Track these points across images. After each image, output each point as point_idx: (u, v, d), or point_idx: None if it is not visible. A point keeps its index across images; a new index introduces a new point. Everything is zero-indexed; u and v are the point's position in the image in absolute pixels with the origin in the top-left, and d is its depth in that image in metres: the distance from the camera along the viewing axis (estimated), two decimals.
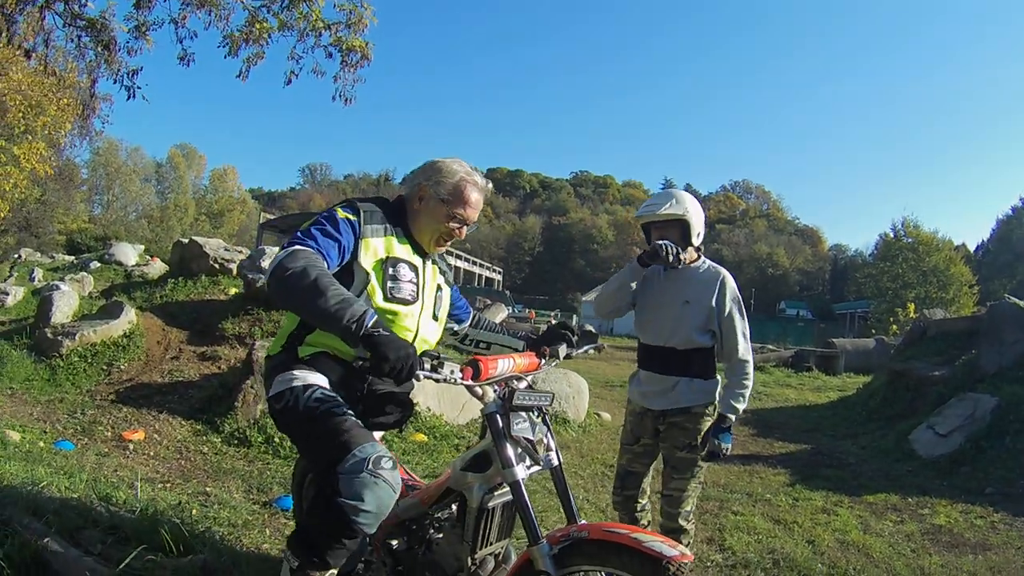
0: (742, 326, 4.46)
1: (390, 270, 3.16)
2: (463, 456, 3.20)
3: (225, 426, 7.22)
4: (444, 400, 9.13)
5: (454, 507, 3.20)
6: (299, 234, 2.95)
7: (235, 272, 12.38)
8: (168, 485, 5.72)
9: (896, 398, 14.46)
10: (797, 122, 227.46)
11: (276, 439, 7.02)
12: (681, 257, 4.36)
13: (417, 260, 3.32)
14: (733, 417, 4.32)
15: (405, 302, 3.19)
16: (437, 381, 2.84)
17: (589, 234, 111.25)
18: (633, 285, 4.62)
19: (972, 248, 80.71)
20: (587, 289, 78.25)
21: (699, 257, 4.57)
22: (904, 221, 58.75)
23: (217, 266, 12.79)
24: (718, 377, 4.50)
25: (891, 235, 59.16)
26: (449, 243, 3.42)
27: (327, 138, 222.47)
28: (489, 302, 26.42)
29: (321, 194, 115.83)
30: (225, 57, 8.47)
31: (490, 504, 3.09)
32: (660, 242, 4.31)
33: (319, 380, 3.07)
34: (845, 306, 73.19)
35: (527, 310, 60.22)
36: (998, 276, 62.05)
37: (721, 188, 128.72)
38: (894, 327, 43.40)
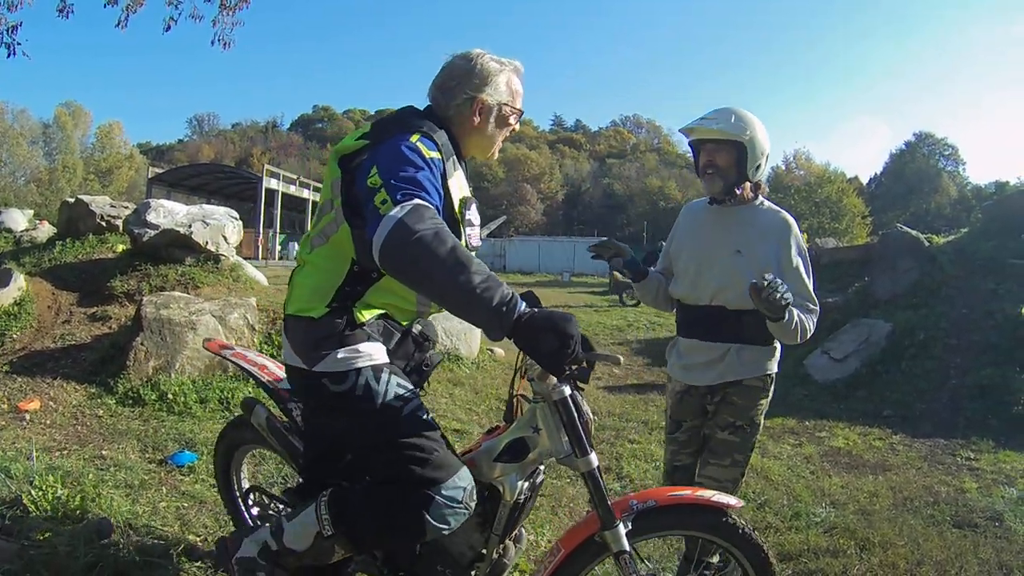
0: (809, 282, 3.66)
1: (467, 214, 2.72)
2: (489, 446, 2.83)
3: (119, 387, 7.07)
4: None
5: None
6: (403, 181, 2.37)
7: (121, 229, 12.08)
8: (65, 452, 5.62)
9: None
10: (697, 62, 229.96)
11: (169, 395, 6.95)
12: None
13: (467, 187, 2.85)
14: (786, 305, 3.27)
15: (476, 250, 2.71)
16: (603, 361, 2.76)
17: (479, 172, 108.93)
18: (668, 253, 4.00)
19: (865, 181, 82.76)
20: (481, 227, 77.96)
21: (756, 196, 3.75)
22: (796, 154, 60.00)
23: (104, 224, 12.41)
24: (776, 344, 3.71)
25: (783, 168, 60.24)
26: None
27: (212, 86, 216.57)
28: None
29: (210, 144, 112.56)
30: (105, 6, 8.17)
31: (523, 494, 2.86)
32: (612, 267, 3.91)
33: (384, 356, 2.69)
34: None
35: None
36: (891, 208, 63.95)
37: (612, 123, 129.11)
38: None
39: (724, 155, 3.58)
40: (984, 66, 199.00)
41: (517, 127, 3.02)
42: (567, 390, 2.61)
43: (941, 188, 77.78)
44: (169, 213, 10.38)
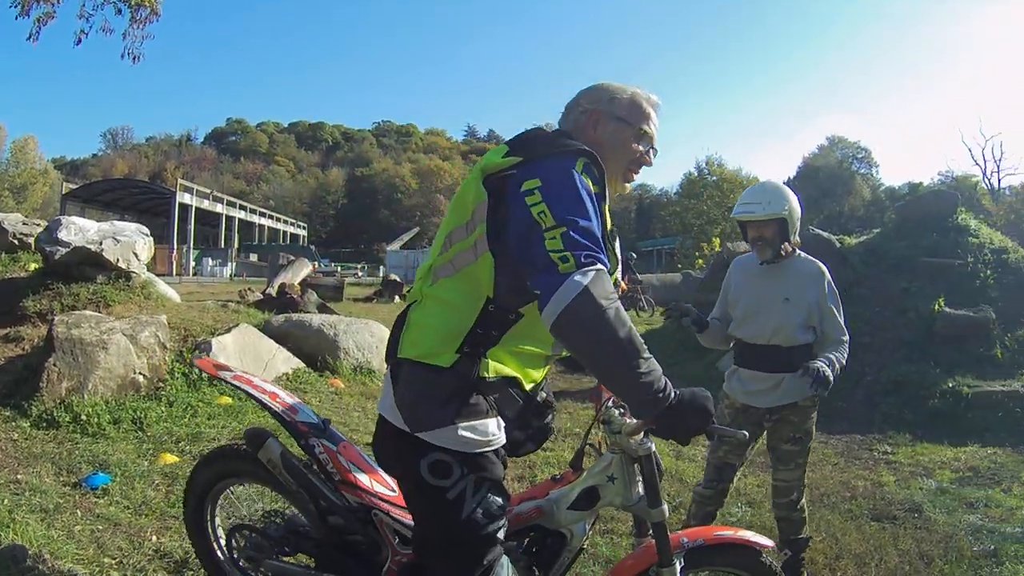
0: (840, 317, 4.51)
1: (613, 246, 2.48)
2: (561, 494, 2.83)
3: (32, 409, 6.89)
4: (247, 358, 9.03)
5: (526, 540, 2.90)
6: (582, 233, 2.18)
7: (33, 247, 11.85)
8: None
9: None
10: (611, 68, 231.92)
11: (83, 417, 6.83)
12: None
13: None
14: (823, 368, 4.17)
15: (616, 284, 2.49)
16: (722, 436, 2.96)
17: (393, 184, 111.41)
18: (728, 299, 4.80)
19: None
20: (392, 239, 78.16)
21: (794, 251, 4.59)
22: (708, 160, 60.88)
23: (16, 242, 12.16)
24: None
25: (695, 174, 61.13)
26: (637, 175, 2.75)
27: (126, 100, 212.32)
28: (292, 258, 25.65)
29: (124, 159, 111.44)
30: (16, 17, 8.10)
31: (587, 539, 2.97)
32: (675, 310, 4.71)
33: (502, 436, 2.47)
34: (651, 243, 74.68)
35: (333, 264, 59.68)
36: (805, 211, 65.04)
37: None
38: (700, 261, 44.84)
39: (770, 229, 4.44)
40: (897, 69, 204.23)
41: (649, 161, 2.73)
42: (652, 446, 2.68)
43: (855, 190, 79.45)
44: (80, 230, 10.20)
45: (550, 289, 2.10)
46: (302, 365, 10.01)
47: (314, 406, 8.23)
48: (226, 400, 7.75)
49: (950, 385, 9.76)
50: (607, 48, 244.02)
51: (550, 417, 2.87)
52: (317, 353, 10.39)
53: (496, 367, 2.42)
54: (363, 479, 3.06)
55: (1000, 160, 75.01)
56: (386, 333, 11.35)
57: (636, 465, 2.72)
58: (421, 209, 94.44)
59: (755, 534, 2.97)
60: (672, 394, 2.19)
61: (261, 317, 11.59)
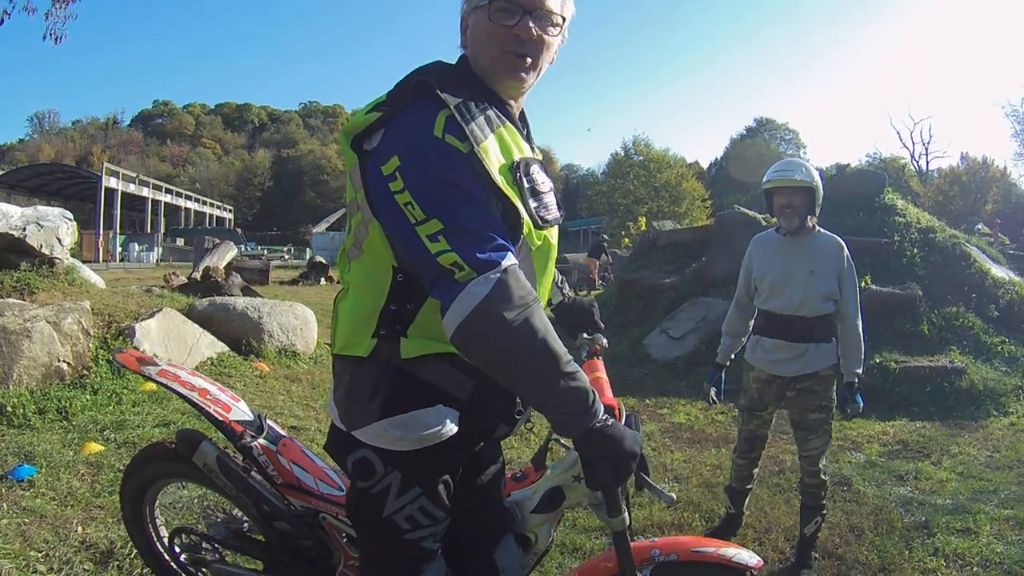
0: (857, 293, 4.73)
1: (525, 181, 2.03)
2: (523, 495, 2.61)
3: None
4: (171, 343, 8.97)
5: None
6: (467, 226, 1.84)
7: None
8: None
9: (628, 306, 15.06)
10: None
11: (8, 408, 6.68)
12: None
13: (525, 146, 2.19)
14: (857, 380, 4.65)
15: (557, 220, 2.18)
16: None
17: (319, 165, 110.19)
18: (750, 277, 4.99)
19: (706, 166, 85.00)
20: (317, 221, 77.58)
21: (814, 226, 4.79)
22: (635, 140, 61.08)
23: None
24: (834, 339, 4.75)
25: (621, 154, 61.32)
26: (527, 62, 2.08)
27: (53, 82, 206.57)
28: (217, 242, 25.28)
29: (50, 143, 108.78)
30: None
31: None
32: None
33: (453, 426, 2.12)
34: (579, 223, 74.82)
35: (259, 248, 58.98)
36: (731, 192, 65.14)
37: None
38: (626, 240, 45.08)
39: (799, 197, 4.63)
40: (827, 52, 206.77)
41: (529, 33, 2.05)
42: None
43: None
44: (3, 216, 9.95)
45: (447, 300, 1.82)
46: (227, 349, 9.98)
47: (239, 391, 8.33)
48: (151, 386, 7.63)
49: (877, 361, 9.92)
50: None
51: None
52: (241, 336, 10.34)
53: (420, 345, 2.07)
54: (307, 480, 2.86)
55: (928, 143, 76.58)
56: (311, 315, 11.56)
57: None
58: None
59: (741, 551, 2.60)
60: (600, 415, 1.88)
61: (185, 301, 11.42)
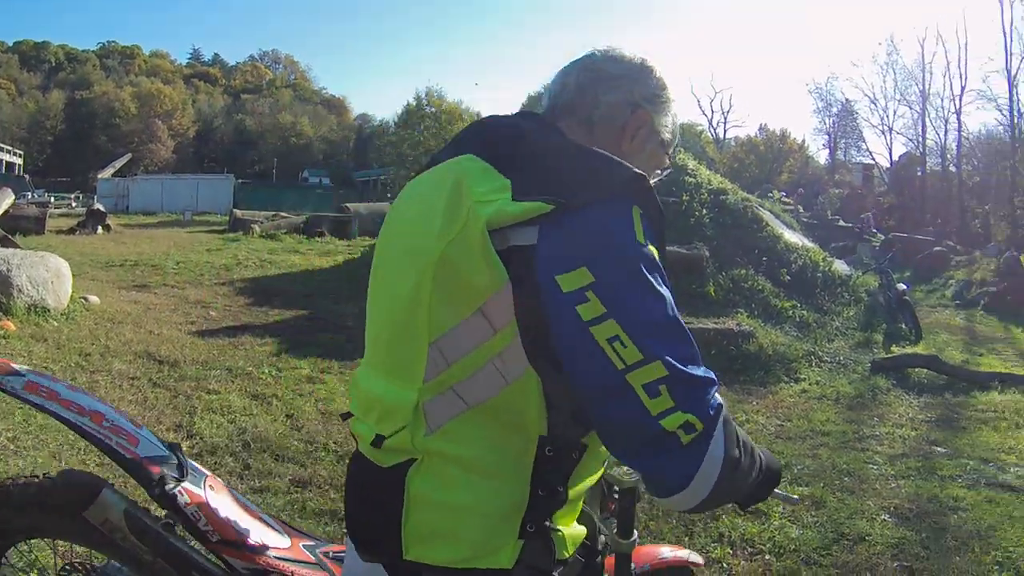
0: None
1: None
2: None
3: None
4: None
5: None
6: (689, 367, 1.33)
7: None
8: None
9: None
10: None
11: None
12: None
13: None
14: None
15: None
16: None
17: (112, 108, 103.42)
18: None
19: None
20: (105, 166, 72.49)
21: None
22: (428, 91, 61.13)
23: None
24: None
25: (414, 104, 61.23)
26: None
27: None
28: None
29: None
30: None
31: None
32: None
33: None
34: (365, 173, 75.54)
35: (47, 194, 55.90)
36: None
37: (250, 57, 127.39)
38: None
39: None
40: (630, 15, 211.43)
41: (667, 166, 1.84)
42: (639, 477, 2.01)
43: None
44: None
45: (678, 476, 1.34)
46: None
47: None
48: None
49: None
50: None
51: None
52: None
53: (571, 535, 1.56)
54: (251, 533, 2.15)
55: (728, 112, 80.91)
56: (64, 266, 10.44)
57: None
58: (139, 135, 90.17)
59: (689, 551, 2.58)
60: (762, 463, 1.55)
61: None
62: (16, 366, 2.28)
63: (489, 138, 1.53)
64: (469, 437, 1.42)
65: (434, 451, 1.42)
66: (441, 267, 1.37)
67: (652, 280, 1.34)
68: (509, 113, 1.71)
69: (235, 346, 8.90)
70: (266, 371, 7.61)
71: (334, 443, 5.59)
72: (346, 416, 1.63)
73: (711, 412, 1.33)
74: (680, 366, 1.31)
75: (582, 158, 1.45)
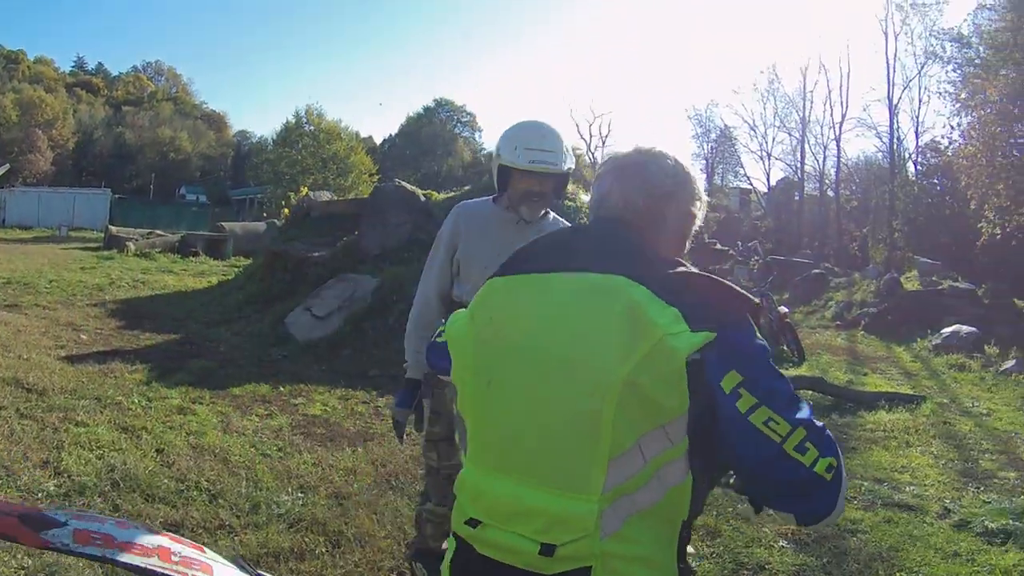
0: None
1: None
2: None
3: None
4: None
5: None
6: (814, 419, 1.68)
7: None
8: None
9: (275, 280, 14.32)
10: (236, 14, 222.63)
11: None
12: None
13: None
14: None
15: None
16: None
17: None
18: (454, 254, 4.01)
19: (379, 141, 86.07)
20: None
21: (548, 211, 3.99)
22: (307, 109, 60.70)
23: None
24: None
25: (293, 122, 60.73)
26: None
27: None
28: None
29: None
30: None
31: None
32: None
33: None
34: (242, 191, 74.43)
35: None
36: (403, 168, 66.49)
37: (133, 68, 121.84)
38: (286, 211, 44.55)
39: (550, 184, 3.81)
40: (507, 40, 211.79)
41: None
42: None
43: (455, 151, 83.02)
44: None
45: (827, 505, 1.67)
46: None
47: None
48: None
49: None
50: None
51: None
52: None
53: None
54: None
55: (607, 137, 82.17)
56: None
57: None
58: (19, 144, 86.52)
59: None
60: None
61: None
62: (49, 512, 2.03)
63: (609, 249, 1.80)
64: (640, 537, 1.64)
65: (613, 554, 1.62)
66: (626, 390, 1.60)
67: (774, 366, 1.71)
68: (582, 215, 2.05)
69: (105, 373, 8.55)
70: (136, 400, 7.33)
71: (206, 481, 5.34)
72: (474, 524, 1.75)
73: (838, 448, 1.66)
74: (813, 423, 1.65)
75: (716, 290, 1.74)
